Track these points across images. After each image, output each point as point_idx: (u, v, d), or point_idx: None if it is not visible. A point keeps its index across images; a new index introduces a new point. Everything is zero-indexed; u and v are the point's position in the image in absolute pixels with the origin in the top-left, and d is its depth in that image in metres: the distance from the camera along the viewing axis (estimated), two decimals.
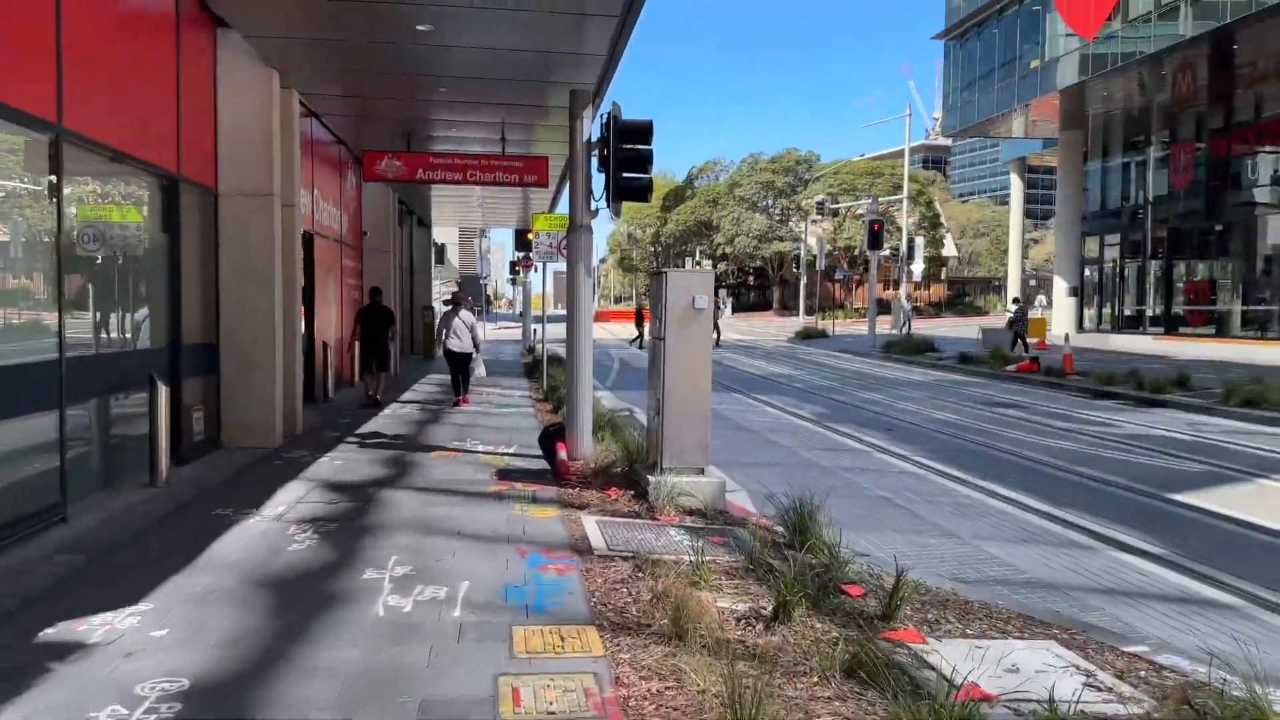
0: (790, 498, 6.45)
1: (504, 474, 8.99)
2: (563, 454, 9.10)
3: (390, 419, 13.21)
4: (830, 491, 8.44)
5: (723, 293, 74.22)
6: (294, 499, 7.72)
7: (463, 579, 5.43)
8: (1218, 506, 8.52)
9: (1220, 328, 34.99)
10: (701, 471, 7.78)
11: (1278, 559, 6.87)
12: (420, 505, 7.54)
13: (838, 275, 49.93)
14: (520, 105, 13.13)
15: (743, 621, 4.77)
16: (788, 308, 71.64)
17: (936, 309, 72.62)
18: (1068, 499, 8.85)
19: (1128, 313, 39.94)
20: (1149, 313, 38.56)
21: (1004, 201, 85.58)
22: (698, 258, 71.21)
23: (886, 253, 62.26)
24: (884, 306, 62.80)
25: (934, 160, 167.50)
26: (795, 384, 20.80)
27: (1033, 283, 74.02)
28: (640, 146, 9.10)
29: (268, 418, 10.61)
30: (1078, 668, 4.29)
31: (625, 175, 9.10)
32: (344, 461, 9.65)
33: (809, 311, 60.43)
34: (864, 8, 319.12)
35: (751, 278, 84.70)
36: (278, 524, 6.84)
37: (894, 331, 39.37)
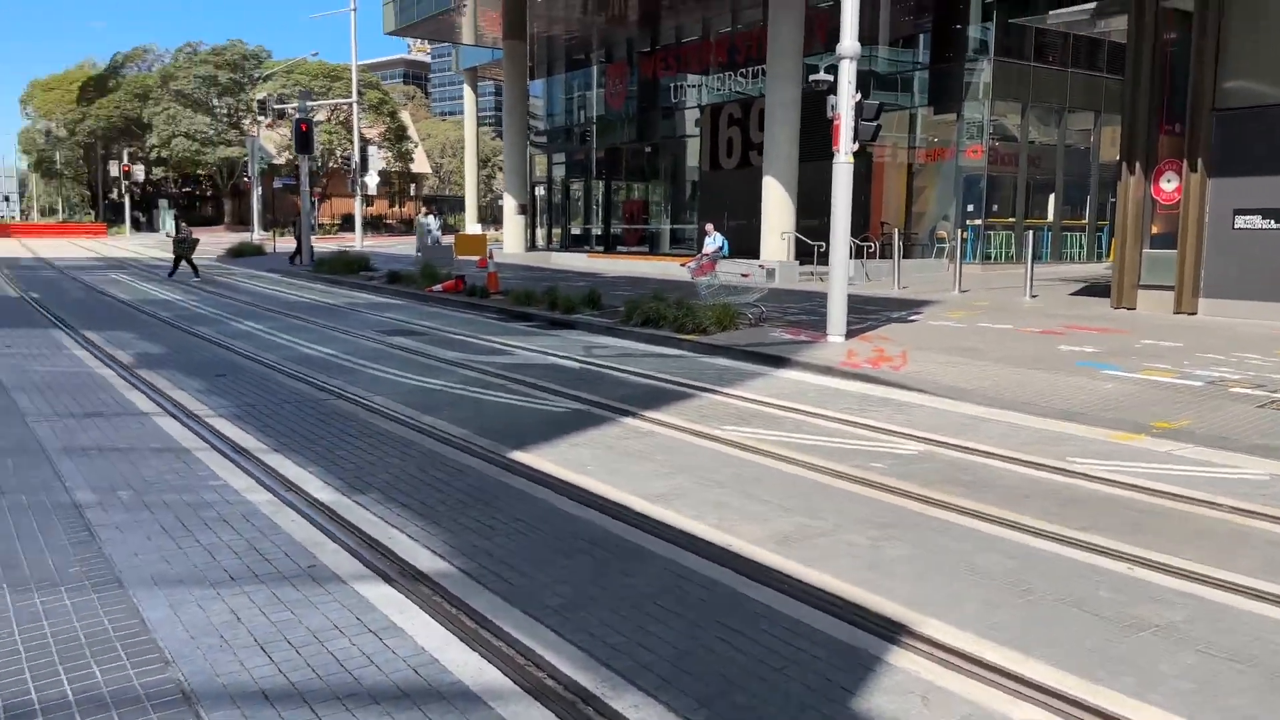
0: None
1: None
2: None
3: None
4: None
5: (163, 203, 64.34)
6: None
7: None
8: (560, 467, 6.64)
9: (653, 246, 36.96)
10: None
11: (598, 563, 4.92)
12: None
13: (276, 184, 44.66)
14: None
15: None
16: (244, 222, 64.06)
17: (408, 225, 70.34)
18: (356, 471, 6.38)
19: (575, 232, 40.79)
20: (595, 231, 39.67)
21: (484, 123, 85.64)
22: (125, 161, 60.14)
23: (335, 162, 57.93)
24: (347, 222, 58.66)
25: (415, 76, 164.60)
26: (164, 313, 16.50)
27: (500, 201, 74.92)
28: None
29: None
30: None
31: None
32: None
33: (266, 226, 54.17)
34: None
35: (207, 188, 74.80)
36: None
37: (418, 254, 35.68)
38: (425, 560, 4.81)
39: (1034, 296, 17.79)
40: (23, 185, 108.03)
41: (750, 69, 30.61)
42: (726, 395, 9.51)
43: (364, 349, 12.47)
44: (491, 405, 8.86)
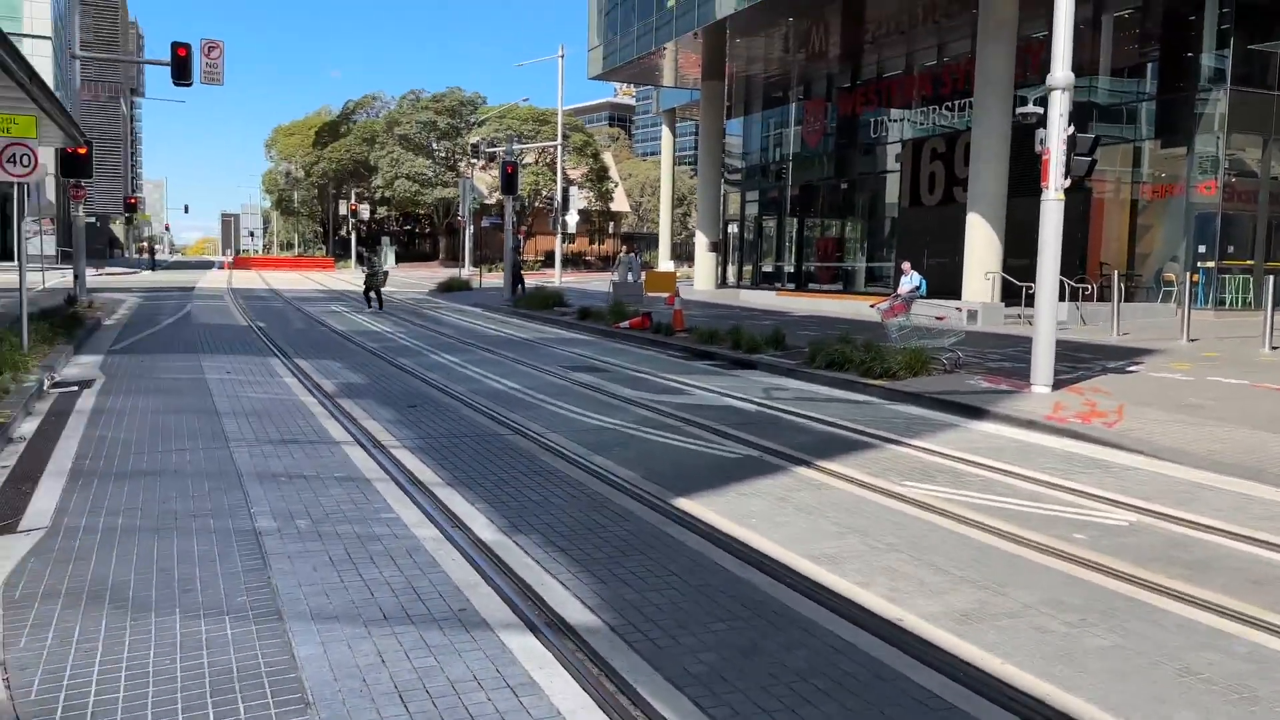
0: None
1: None
2: None
3: None
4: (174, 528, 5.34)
5: (385, 240, 69.19)
6: None
7: None
8: (724, 518, 6.37)
9: (846, 284, 36.04)
10: None
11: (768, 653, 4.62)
12: None
13: (485, 223, 47.02)
14: None
15: None
16: (455, 258, 67.85)
17: (606, 262, 72.31)
18: (521, 510, 6.34)
19: (766, 269, 40.43)
20: (786, 269, 39.17)
21: (681, 162, 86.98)
22: (353, 201, 65.22)
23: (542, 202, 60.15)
24: (549, 259, 60.81)
25: (620, 119, 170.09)
26: (371, 344, 17.52)
27: (695, 239, 75.61)
28: None
29: None
30: None
31: None
32: None
33: (476, 263, 57.10)
34: None
35: (425, 226, 79.93)
36: None
37: (610, 289, 36.94)
38: (574, 611, 4.66)
39: (1274, 348, 15.93)
40: (265, 221, 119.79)
41: (956, 102, 29.43)
42: (911, 447, 8.94)
43: (547, 384, 12.69)
44: (662, 447, 8.71)
